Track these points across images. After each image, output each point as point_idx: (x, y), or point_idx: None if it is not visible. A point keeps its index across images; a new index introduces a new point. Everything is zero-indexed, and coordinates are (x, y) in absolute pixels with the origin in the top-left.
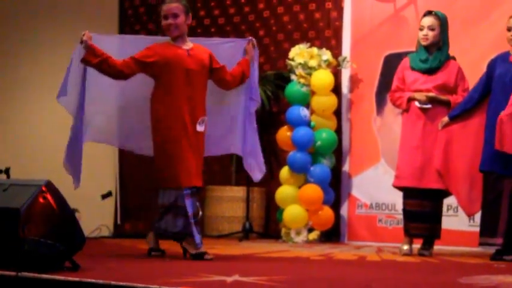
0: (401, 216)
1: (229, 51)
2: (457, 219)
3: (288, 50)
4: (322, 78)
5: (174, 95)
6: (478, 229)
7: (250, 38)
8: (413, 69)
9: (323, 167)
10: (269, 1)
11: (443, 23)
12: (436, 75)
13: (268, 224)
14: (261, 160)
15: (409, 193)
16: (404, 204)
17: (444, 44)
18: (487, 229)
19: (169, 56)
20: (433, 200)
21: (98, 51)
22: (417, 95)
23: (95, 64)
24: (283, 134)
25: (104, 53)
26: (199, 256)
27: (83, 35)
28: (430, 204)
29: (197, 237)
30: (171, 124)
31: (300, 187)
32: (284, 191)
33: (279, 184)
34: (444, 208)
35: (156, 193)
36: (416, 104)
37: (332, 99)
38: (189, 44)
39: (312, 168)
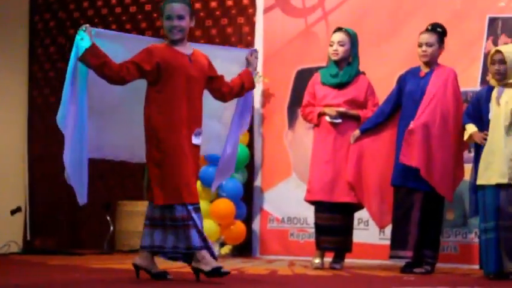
0: (313, 230)
1: (228, 60)
2: (368, 232)
3: None
4: None
5: (173, 104)
6: (388, 242)
7: (254, 48)
8: (324, 84)
9: (235, 181)
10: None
11: (353, 39)
12: (346, 90)
13: None
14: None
15: (320, 207)
16: (316, 218)
17: (354, 59)
18: (398, 242)
19: (170, 61)
20: (344, 214)
21: (100, 52)
22: (327, 110)
23: (95, 66)
24: None
25: (105, 54)
26: (217, 271)
27: (85, 28)
28: (341, 218)
29: (214, 251)
30: (169, 135)
31: (211, 202)
32: None
33: None
34: (355, 221)
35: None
36: (327, 118)
37: None
38: (189, 48)
39: (224, 183)
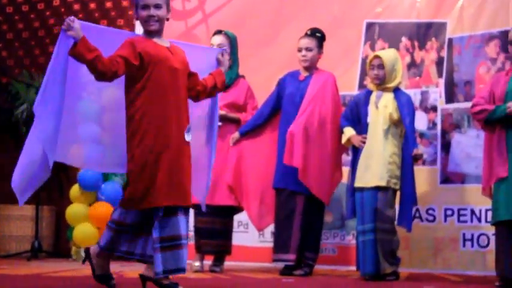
0: (192, 233)
1: (199, 58)
2: (248, 235)
3: None
4: None
5: (159, 100)
6: (268, 244)
7: (224, 48)
8: None
9: (114, 184)
10: (60, 16)
11: (232, 42)
12: (226, 93)
13: (59, 243)
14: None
15: (200, 210)
16: (196, 221)
17: (234, 63)
18: (281, 246)
19: (153, 53)
20: (224, 217)
21: (91, 45)
22: None
23: (89, 60)
24: None
25: (96, 48)
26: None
27: (72, 20)
28: (221, 221)
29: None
30: (159, 134)
31: (90, 205)
32: (74, 209)
33: (69, 202)
34: (235, 224)
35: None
36: None
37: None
38: (166, 41)
39: (103, 186)
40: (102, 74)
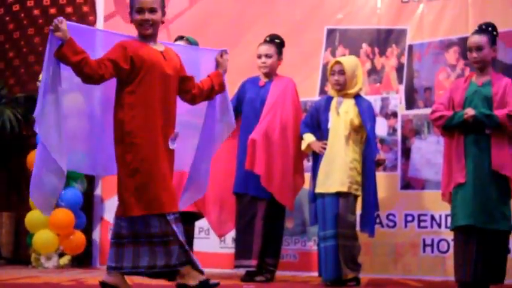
0: None
1: (196, 60)
2: (209, 241)
3: (39, 72)
4: None
5: (148, 105)
6: (229, 250)
7: (224, 48)
8: None
9: (74, 190)
10: (19, 22)
11: None
12: None
13: (18, 250)
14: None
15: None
16: None
17: None
18: (242, 251)
19: (145, 57)
20: (185, 223)
21: (78, 47)
22: None
23: (74, 63)
24: (34, 157)
25: (83, 50)
26: (206, 284)
27: (60, 21)
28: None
29: (198, 263)
30: (145, 140)
31: None
32: (34, 216)
33: (29, 208)
34: (196, 230)
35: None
36: None
37: None
38: (160, 45)
39: (63, 192)
40: (88, 77)
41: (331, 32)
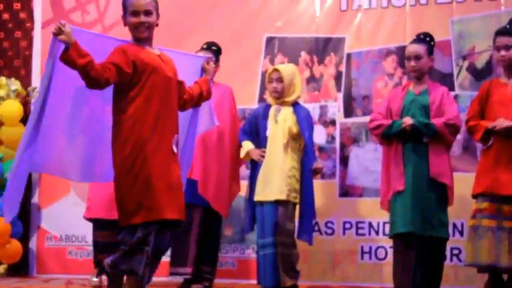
0: (91, 248)
1: (186, 65)
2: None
3: None
4: (11, 108)
5: (153, 108)
6: (165, 258)
7: (210, 56)
8: None
9: None
10: None
11: None
12: None
13: None
14: None
15: (99, 224)
16: (95, 235)
17: None
18: (178, 259)
19: (146, 60)
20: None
21: (83, 50)
22: None
23: (81, 66)
24: None
25: (88, 53)
26: None
27: (63, 24)
28: None
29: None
30: (150, 144)
31: None
32: None
33: None
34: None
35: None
36: None
37: (21, 130)
38: (155, 49)
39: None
40: (95, 80)
41: (270, 40)
